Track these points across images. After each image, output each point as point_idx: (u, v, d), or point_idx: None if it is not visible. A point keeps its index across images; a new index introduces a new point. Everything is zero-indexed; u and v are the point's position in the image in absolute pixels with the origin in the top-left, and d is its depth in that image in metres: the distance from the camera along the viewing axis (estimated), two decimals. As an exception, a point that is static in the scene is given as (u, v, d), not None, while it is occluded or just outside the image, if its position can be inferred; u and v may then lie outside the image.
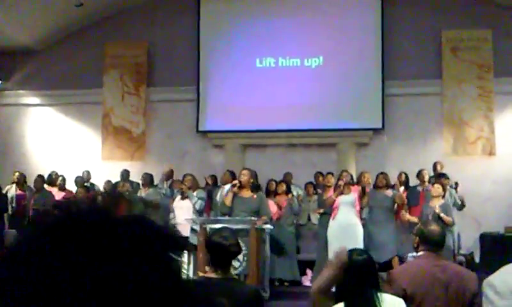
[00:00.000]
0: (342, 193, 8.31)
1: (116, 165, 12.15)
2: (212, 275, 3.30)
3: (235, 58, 12.57)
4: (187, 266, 7.76)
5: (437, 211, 7.90)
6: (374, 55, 12.19)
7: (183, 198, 8.63)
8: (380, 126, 12.15)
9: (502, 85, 11.73)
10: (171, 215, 8.64)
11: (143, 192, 9.45)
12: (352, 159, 12.12)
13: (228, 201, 7.68)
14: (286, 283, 9.20)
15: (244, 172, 7.99)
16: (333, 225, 8.27)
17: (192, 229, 7.98)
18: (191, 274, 7.72)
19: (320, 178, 10.48)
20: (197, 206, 8.44)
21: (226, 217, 7.52)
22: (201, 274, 3.50)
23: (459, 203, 9.35)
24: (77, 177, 11.18)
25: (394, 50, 12.14)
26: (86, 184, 11.12)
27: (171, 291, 0.68)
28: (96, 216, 0.70)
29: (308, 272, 9.57)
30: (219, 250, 3.31)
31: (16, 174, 10.87)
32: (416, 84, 12.04)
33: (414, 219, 8.18)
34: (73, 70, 13.07)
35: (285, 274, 9.11)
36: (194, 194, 8.63)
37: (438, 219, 7.75)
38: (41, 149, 13.31)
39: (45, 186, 10.57)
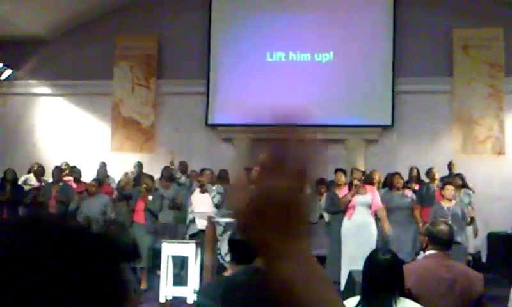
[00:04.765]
0: (357, 192, 8.16)
1: (125, 157, 12.20)
2: None
3: (245, 52, 12.54)
4: (195, 259, 7.75)
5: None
6: (384, 52, 12.14)
7: (202, 192, 8.89)
8: (389, 123, 12.12)
9: (513, 84, 11.67)
10: (189, 209, 8.82)
11: (162, 188, 9.49)
12: (361, 156, 12.09)
13: None
14: None
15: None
16: (348, 225, 8.09)
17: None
18: (197, 268, 7.74)
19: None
20: (215, 201, 8.72)
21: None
22: (225, 274, 3.35)
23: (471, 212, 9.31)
24: (99, 168, 11.16)
25: (405, 47, 12.08)
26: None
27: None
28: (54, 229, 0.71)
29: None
30: (244, 247, 3.07)
31: (36, 165, 10.98)
32: (426, 82, 11.99)
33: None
34: (84, 60, 13.09)
35: None
36: (214, 188, 8.91)
37: (453, 217, 7.71)
38: (51, 140, 13.36)
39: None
